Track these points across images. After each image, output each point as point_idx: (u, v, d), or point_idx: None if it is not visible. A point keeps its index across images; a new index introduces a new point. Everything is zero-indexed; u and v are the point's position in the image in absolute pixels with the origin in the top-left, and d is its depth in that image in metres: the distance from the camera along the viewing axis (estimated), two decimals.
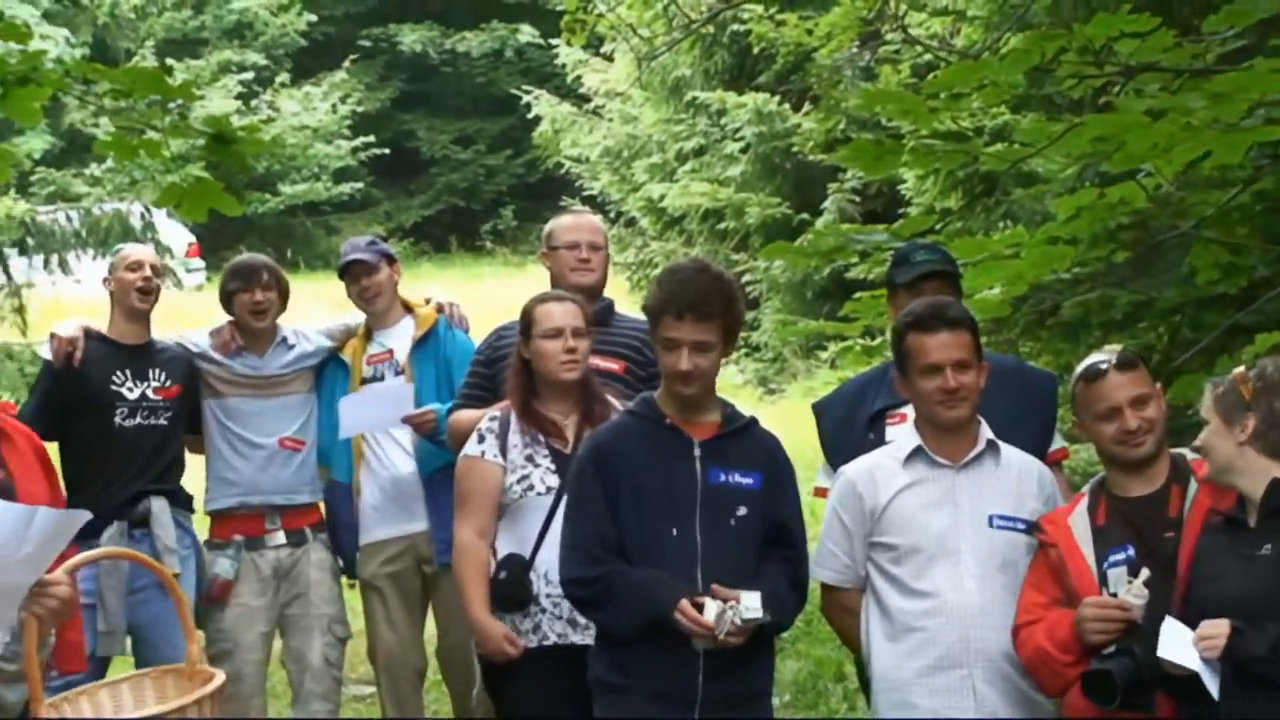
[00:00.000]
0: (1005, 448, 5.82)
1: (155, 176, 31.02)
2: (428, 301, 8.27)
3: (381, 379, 7.99)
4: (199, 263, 28.36)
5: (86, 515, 4.90)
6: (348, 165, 37.33)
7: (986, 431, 5.81)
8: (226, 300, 7.97)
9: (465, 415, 7.21)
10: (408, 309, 8.18)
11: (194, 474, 8.02)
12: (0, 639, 4.61)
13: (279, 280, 8.03)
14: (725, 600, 5.43)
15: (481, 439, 6.61)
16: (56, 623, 4.65)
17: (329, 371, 8.09)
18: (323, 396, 8.04)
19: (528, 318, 6.71)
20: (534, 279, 22.04)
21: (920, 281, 6.58)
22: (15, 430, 6.85)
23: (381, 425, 7.85)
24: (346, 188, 37.11)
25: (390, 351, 8.03)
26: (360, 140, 37.22)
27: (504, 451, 6.55)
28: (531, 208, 35.17)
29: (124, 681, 5.08)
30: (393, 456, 7.93)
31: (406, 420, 7.62)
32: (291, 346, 8.01)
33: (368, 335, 8.10)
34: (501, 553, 6.51)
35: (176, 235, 22.62)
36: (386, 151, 37.48)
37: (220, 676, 4.86)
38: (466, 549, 6.56)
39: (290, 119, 36.23)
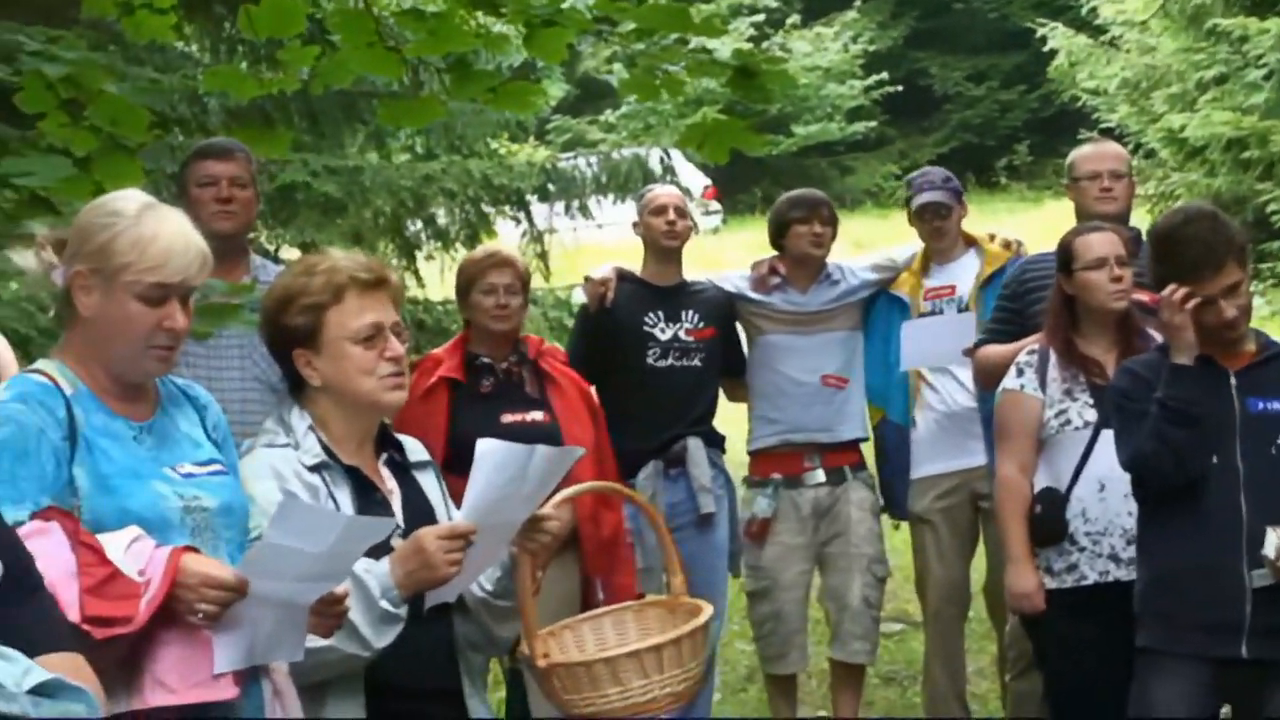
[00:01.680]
0: None
1: (670, 121, 31.46)
2: (992, 238, 8.09)
3: (941, 314, 7.83)
4: (715, 206, 28.68)
5: (580, 451, 4.90)
6: (861, 104, 37.22)
7: None
8: (781, 230, 7.92)
9: (992, 350, 7.10)
10: (969, 242, 8.02)
11: (724, 414, 8.05)
12: (491, 574, 4.59)
13: (835, 216, 7.99)
14: None
15: (1020, 372, 6.47)
16: (547, 558, 4.64)
17: (880, 307, 7.97)
18: (874, 333, 7.93)
19: (1067, 251, 6.51)
20: (1051, 214, 21.80)
21: None
22: (562, 375, 7.03)
23: (943, 360, 7.69)
24: (860, 127, 37.00)
25: (953, 287, 7.88)
26: (873, 79, 37.07)
27: (1043, 385, 6.40)
28: (1047, 142, 34.41)
29: (605, 615, 5.01)
30: (950, 390, 7.80)
31: (967, 353, 7.45)
32: (836, 282, 7.91)
33: (924, 269, 7.97)
34: (1039, 487, 6.37)
35: (694, 178, 22.89)
36: (899, 89, 37.22)
37: (708, 610, 4.70)
38: (1007, 484, 6.45)
39: (802, 60, 36.28)
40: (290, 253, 11.65)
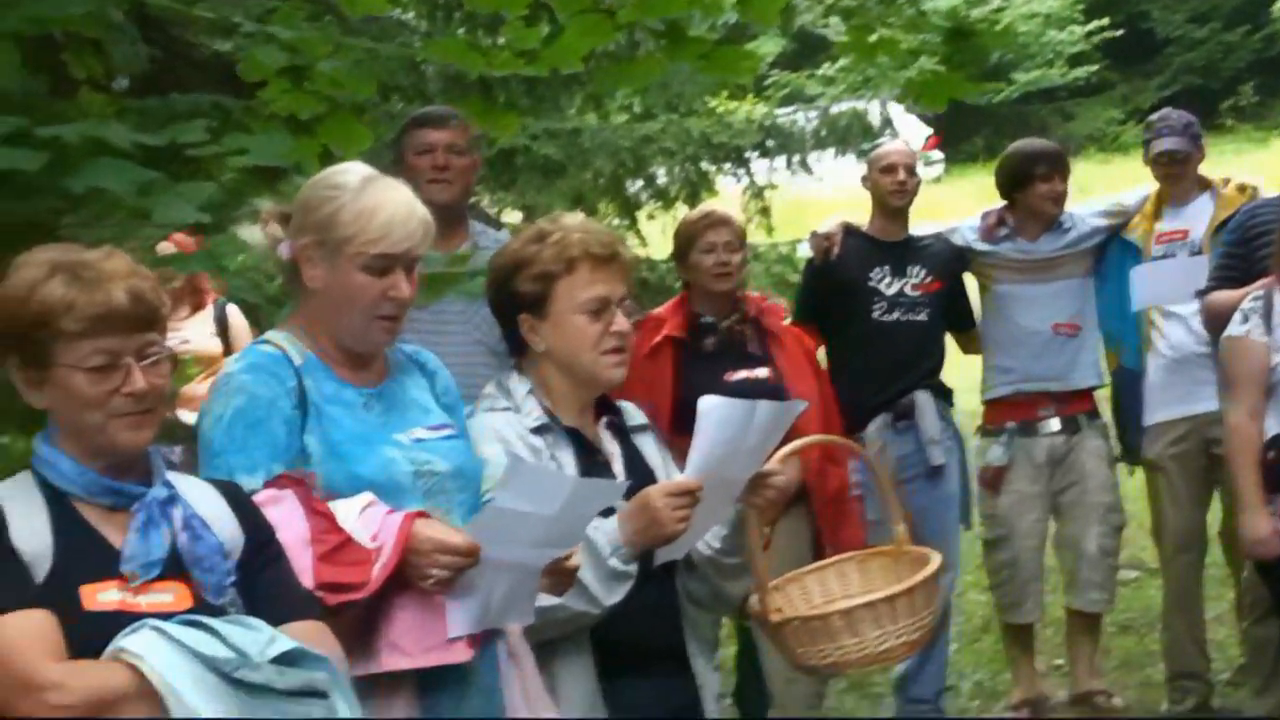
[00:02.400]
0: None
1: (888, 73, 31.23)
2: (1226, 182, 7.96)
3: (1173, 258, 7.72)
4: (937, 155, 28.48)
5: (803, 405, 4.84)
6: (1081, 50, 36.64)
7: None
8: (1020, 183, 7.88)
9: (1220, 297, 6.99)
10: (1205, 186, 7.91)
11: (952, 366, 8.08)
12: (718, 532, 4.57)
13: (1068, 170, 7.97)
14: None
15: (1245, 319, 6.40)
16: (775, 514, 4.62)
17: (1113, 251, 7.90)
18: (1107, 278, 7.85)
19: None
20: (1278, 154, 21.33)
21: None
22: (785, 331, 7.05)
23: (1174, 299, 7.59)
24: (1081, 72, 36.43)
25: (1186, 231, 7.79)
26: (1094, 24, 36.49)
27: (1269, 330, 6.33)
28: (1272, 82, 33.72)
29: (829, 568, 4.97)
30: (1179, 335, 7.69)
31: (1198, 296, 7.33)
32: (1066, 229, 7.87)
33: (1157, 213, 7.87)
34: (1269, 433, 6.31)
35: (914, 129, 22.69)
36: (1120, 33, 36.59)
37: (935, 560, 4.63)
38: (1238, 431, 6.40)
39: (1021, 7, 35.83)
40: (512, 216, 11.76)
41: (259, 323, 8.81)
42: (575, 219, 4.70)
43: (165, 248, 8.09)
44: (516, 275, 4.51)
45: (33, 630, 2.98)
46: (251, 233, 4.13)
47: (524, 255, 4.52)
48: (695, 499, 4.24)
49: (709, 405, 4.31)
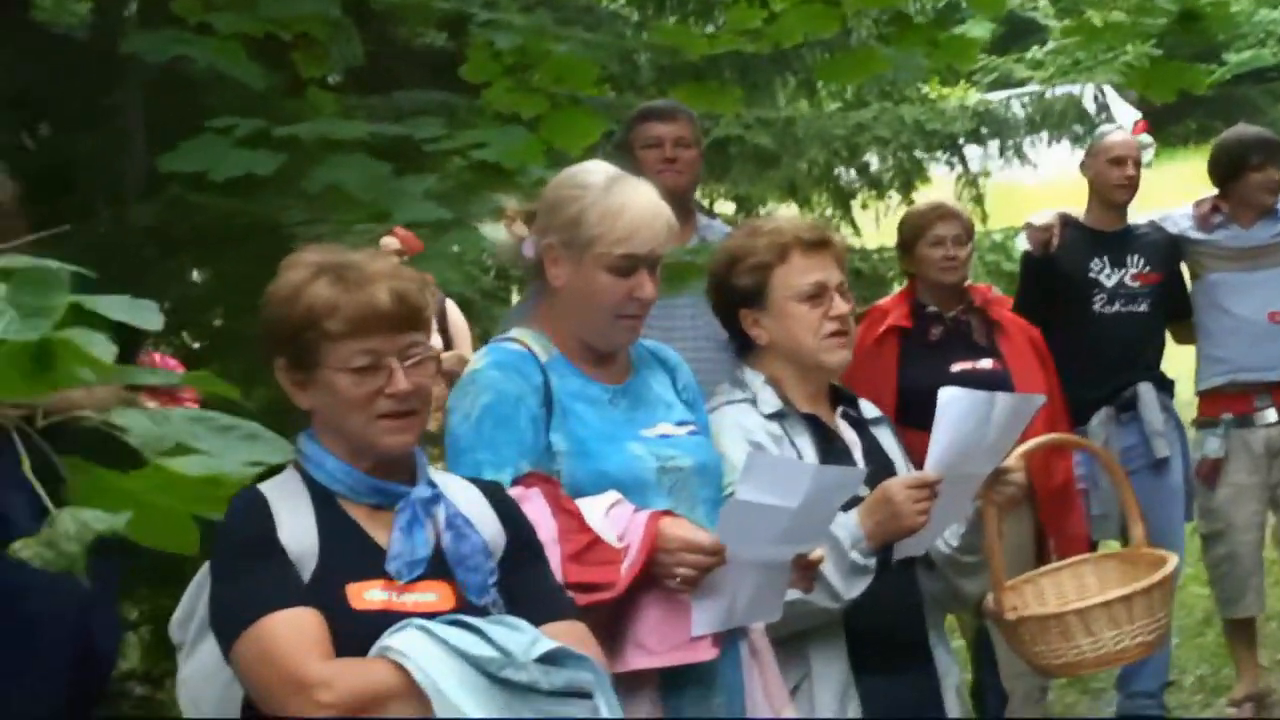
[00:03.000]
0: None
1: (1098, 55, 30.93)
2: None
3: None
4: (1147, 139, 28.09)
5: (1041, 399, 4.80)
6: None
7: None
8: (1234, 172, 7.74)
9: None
10: None
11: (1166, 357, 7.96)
12: (955, 530, 4.54)
13: None
14: None
15: None
16: (1012, 509, 4.59)
17: None
18: None
19: None
20: None
21: None
22: (1010, 322, 6.99)
23: None
24: None
25: None
26: None
27: None
28: None
29: (1064, 570, 4.94)
30: None
31: None
32: None
33: None
34: None
35: (1126, 113, 22.47)
36: None
37: (1173, 560, 4.59)
38: None
39: None
40: (725, 206, 11.76)
41: (473, 317, 8.90)
42: (786, 213, 4.73)
43: (388, 243, 8.22)
44: (733, 270, 4.55)
45: (302, 629, 3.02)
46: (496, 231, 4.16)
47: (739, 250, 4.57)
48: (935, 492, 4.22)
49: (949, 397, 4.29)
